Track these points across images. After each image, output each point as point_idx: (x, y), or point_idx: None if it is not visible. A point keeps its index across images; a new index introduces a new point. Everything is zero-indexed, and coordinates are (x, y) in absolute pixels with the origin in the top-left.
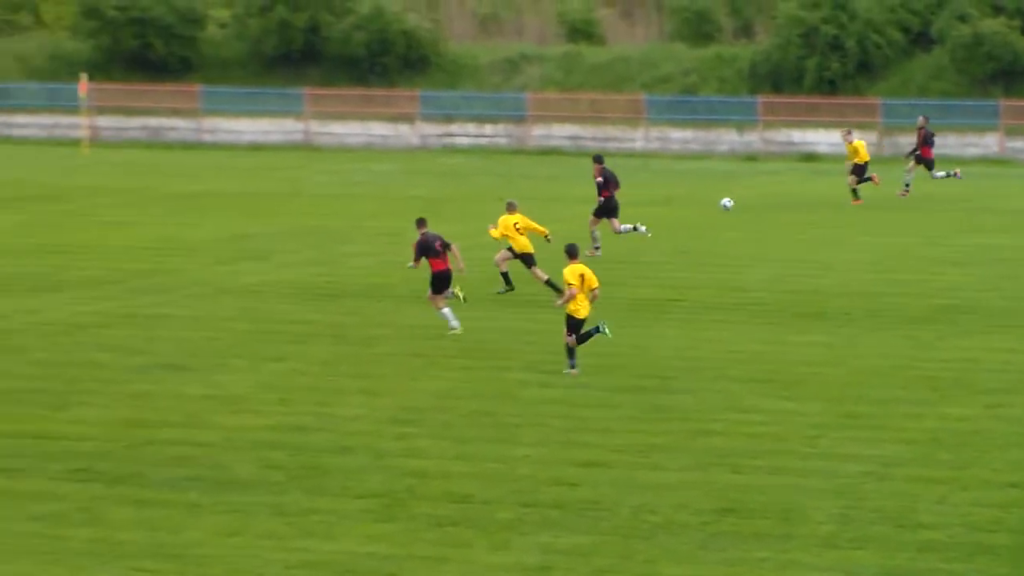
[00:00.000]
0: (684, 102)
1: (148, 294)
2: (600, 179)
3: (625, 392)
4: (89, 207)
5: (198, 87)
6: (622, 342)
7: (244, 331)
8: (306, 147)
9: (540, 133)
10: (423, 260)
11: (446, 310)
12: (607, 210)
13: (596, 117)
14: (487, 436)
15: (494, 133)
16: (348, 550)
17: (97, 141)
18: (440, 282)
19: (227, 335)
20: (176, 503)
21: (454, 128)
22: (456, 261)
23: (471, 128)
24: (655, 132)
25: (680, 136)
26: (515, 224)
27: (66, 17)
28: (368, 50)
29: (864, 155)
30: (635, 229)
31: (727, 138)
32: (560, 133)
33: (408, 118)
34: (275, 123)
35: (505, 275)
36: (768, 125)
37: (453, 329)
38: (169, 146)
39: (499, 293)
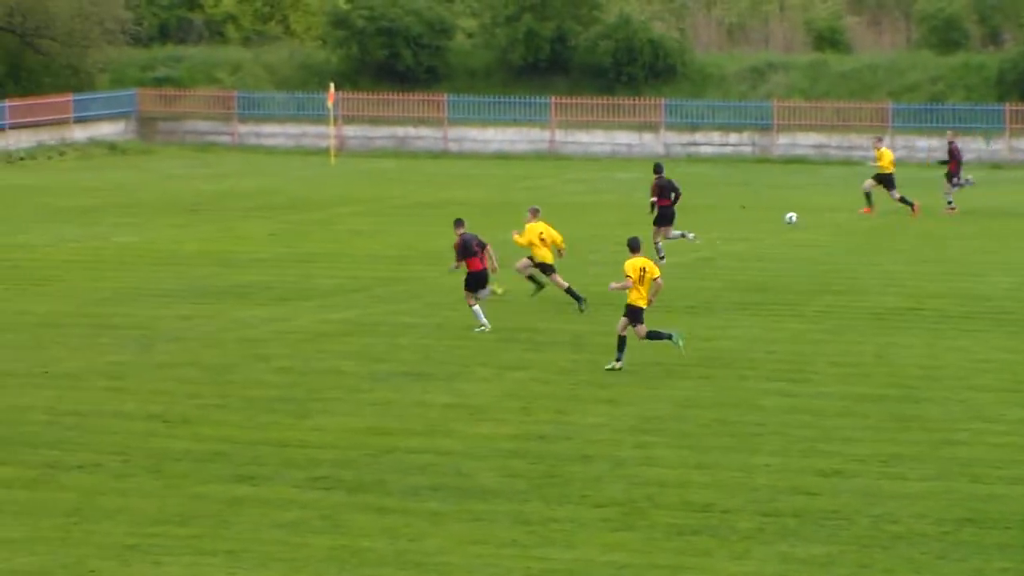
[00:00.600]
0: (930, 110)
1: (391, 302)
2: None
3: (868, 401)
4: (335, 216)
5: (445, 96)
6: (865, 351)
7: (485, 339)
8: (551, 156)
9: (785, 142)
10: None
11: (476, 308)
12: (663, 219)
13: (842, 126)
14: (727, 445)
15: (738, 142)
16: (588, 558)
17: (344, 150)
18: (475, 281)
19: (469, 343)
20: (418, 511)
21: (698, 137)
22: (491, 262)
23: (715, 137)
24: (901, 140)
25: (926, 144)
26: (540, 234)
27: (315, 27)
28: (614, 59)
29: (888, 164)
30: (683, 236)
31: (973, 146)
32: (805, 142)
33: (653, 127)
34: (521, 132)
35: (531, 277)
36: (1015, 133)
37: (481, 328)
38: (415, 155)
39: (532, 296)
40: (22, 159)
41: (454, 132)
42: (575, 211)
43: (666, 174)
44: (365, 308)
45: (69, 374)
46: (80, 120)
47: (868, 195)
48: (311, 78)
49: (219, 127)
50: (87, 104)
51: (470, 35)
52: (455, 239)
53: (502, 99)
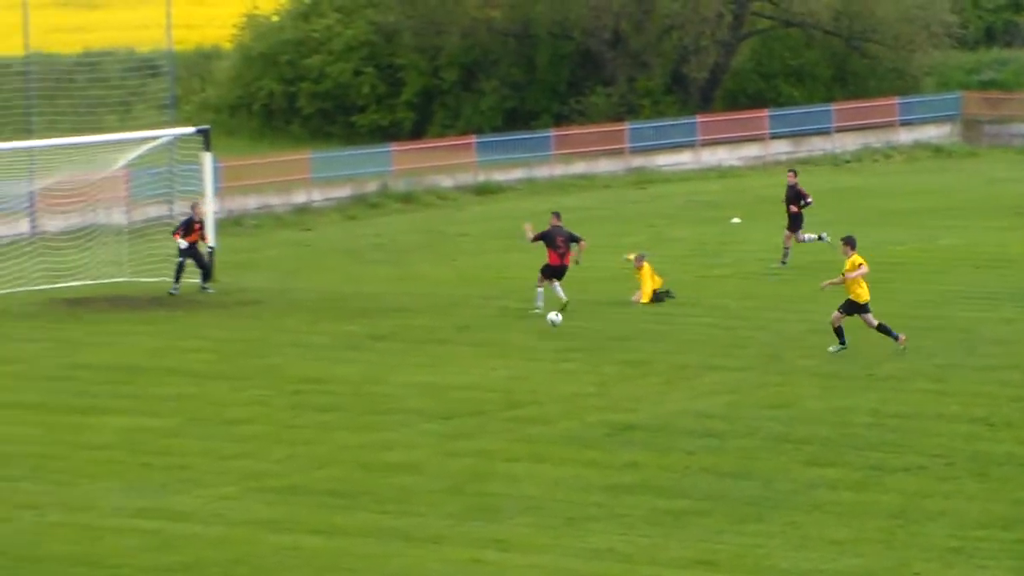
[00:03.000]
0: None
1: None
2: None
3: None
4: None
5: None
6: None
7: None
8: None
9: None
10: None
11: (540, 290)
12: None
13: None
14: None
15: None
16: None
17: None
18: (551, 272)
19: None
20: None
21: None
22: (578, 255)
23: None
24: None
25: None
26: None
27: None
28: None
29: None
30: (820, 239)
31: None
32: None
33: None
34: None
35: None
36: None
37: (536, 309)
38: None
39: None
40: (847, 162)
41: None
42: None
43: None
44: None
45: (893, 376)
46: (905, 123)
47: None
48: None
49: None
50: (912, 107)
51: None
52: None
53: None
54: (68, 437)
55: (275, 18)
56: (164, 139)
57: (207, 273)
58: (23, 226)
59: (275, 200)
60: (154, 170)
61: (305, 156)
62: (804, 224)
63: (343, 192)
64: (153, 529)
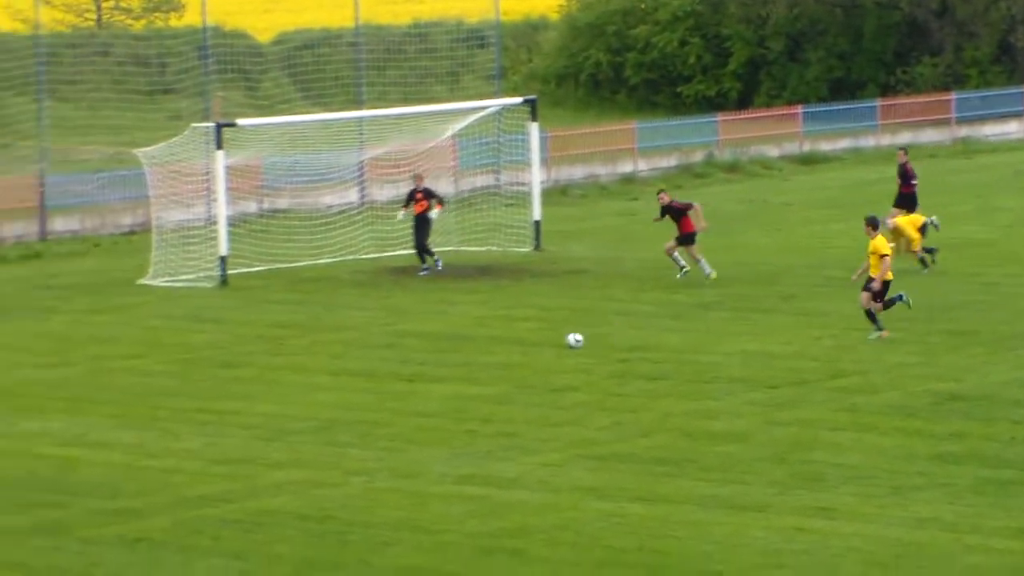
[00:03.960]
0: None
1: None
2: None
3: None
4: None
5: None
6: None
7: None
8: None
9: None
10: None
11: (677, 255)
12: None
13: None
14: None
15: None
16: None
17: None
18: (686, 239)
19: None
20: None
21: None
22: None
23: None
24: None
25: None
26: None
27: None
28: None
29: None
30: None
31: None
32: None
33: None
34: None
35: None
36: None
37: (683, 269)
38: None
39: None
40: None
41: None
42: None
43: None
44: None
45: None
46: None
47: None
48: None
49: None
50: None
51: None
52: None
53: None
54: (395, 404)
55: None
56: (491, 109)
57: (422, 251)
58: (352, 195)
59: (600, 170)
60: (481, 140)
61: (631, 126)
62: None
63: (668, 162)
64: (478, 495)
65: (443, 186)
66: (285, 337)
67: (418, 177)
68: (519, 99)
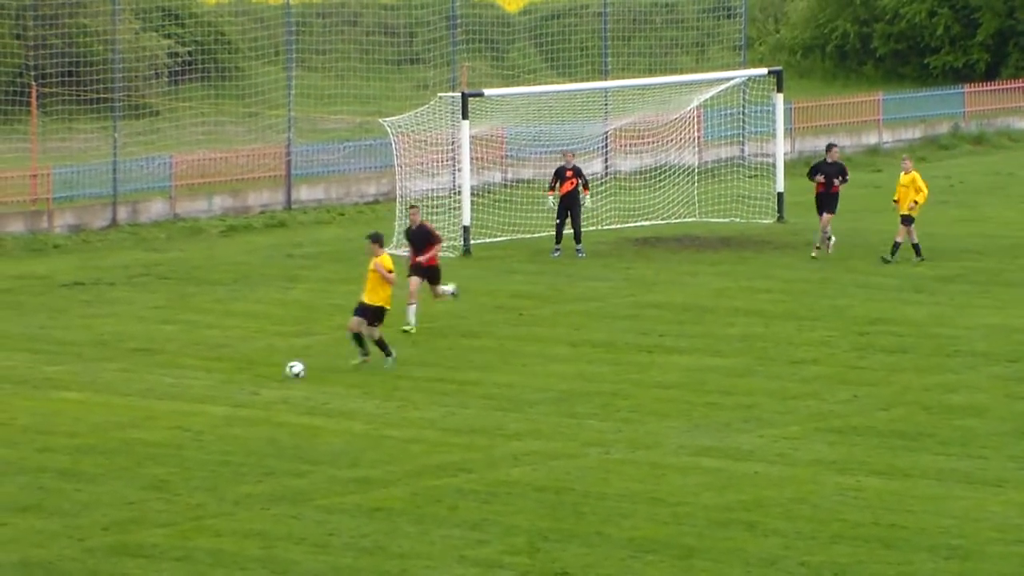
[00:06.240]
0: None
1: None
2: None
3: None
4: None
5: None
6: None
7: None
8: None
9: None
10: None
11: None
12: None
13: None
14: None
15: None
16: None
17: None
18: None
19: None
20: None
21: None
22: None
23: None
24: None
25: None
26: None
27: None
28: None
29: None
30: None
31: None
32: None
33: None
34: None
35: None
36: None
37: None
38: None
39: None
40: None
41: None
42: None
43: None
44: None
45: None
46: None
47: None
48: None
49: None
50: None
51: None
52: None
53: None
54: (635, 375)
55: None
56: (736, 80)
57: (577, 234)
58: (597, 166)
59: (845, 141)
60: (726, 111)
61: (876, 97)
62: None
63: (914, 134)
64: (715, 468)
65: (687, 157)
66: (526, 308)
67: (568, 154)
68: (764, 70)
